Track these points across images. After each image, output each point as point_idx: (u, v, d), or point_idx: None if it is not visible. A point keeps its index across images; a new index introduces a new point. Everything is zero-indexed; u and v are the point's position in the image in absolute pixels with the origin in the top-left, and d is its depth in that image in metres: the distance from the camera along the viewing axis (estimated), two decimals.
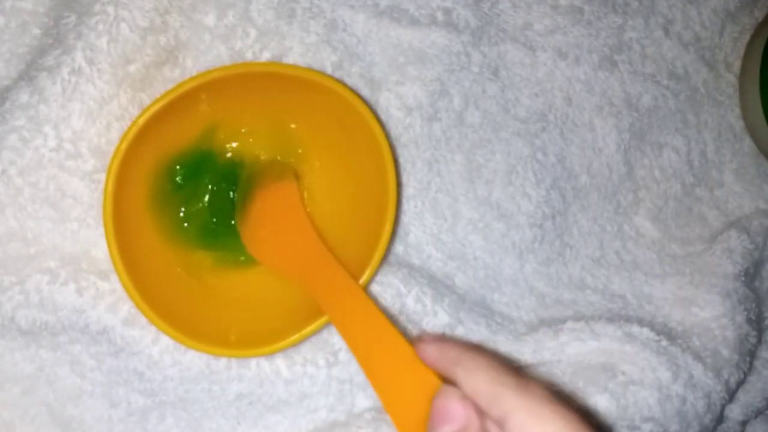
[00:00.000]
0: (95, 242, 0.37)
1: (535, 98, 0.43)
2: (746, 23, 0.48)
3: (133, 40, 0.36)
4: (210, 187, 0.39)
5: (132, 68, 0.37)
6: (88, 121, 0.36)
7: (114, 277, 0.36)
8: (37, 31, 0.38)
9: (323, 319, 0.35)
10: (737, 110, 0.48)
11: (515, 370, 0.27)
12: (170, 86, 0.38)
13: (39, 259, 0.37)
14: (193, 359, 0.38)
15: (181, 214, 0.38)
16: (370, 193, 0.37)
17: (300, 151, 0.40)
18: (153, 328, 0.37)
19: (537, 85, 0.43)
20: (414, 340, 0.31)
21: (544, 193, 0.43)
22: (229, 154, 0.39)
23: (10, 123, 0.36)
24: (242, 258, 0.39)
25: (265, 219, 0.38)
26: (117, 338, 0.37)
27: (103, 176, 0.37)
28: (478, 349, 0.29)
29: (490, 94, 0.43)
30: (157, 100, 0.34)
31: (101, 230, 0.37)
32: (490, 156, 0.43)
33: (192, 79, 0.35)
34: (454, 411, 0.28)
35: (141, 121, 0.34)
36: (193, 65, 0.38)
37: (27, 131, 0.36)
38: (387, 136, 0.37)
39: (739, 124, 0.47)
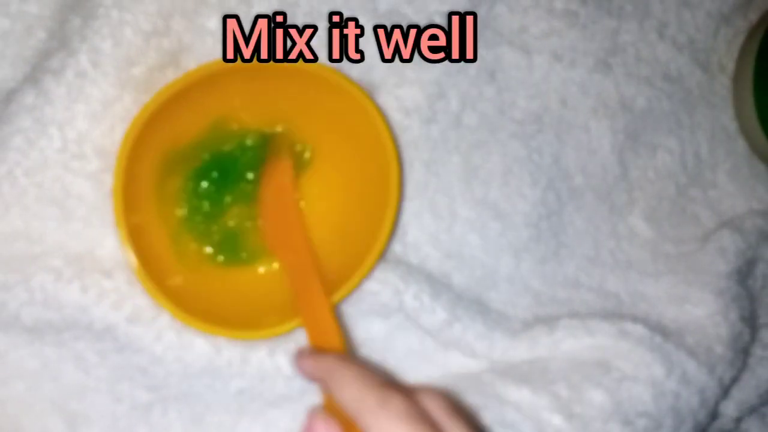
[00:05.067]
0: (99, 241, 0.38)
1: (531, 100, 0.44)
2: (740, 26, 0.48)
3: (136, 44, 0.37)
4: (208, 185, 0.39)
5: (135, 71, 0.37)
6: (93, 122, 0.37)
7: (118, 276, 0.37)
8: (42, 34, 0.39)
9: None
10: (731, 112, 0.48)
11: (382, 383, 0.28)
12: None
13: (44, 258, 0.37)
14: (196, 356, 0.38)
15: (185, 208, 0.39)
16: (373, 190, 0.38)
17: (303, 145, 0.40)
18: (156, 326, 0.37)
19: (533, 88, 0.44)
20: (294, 354, 0.33)
21: (540, 194, 0.43)
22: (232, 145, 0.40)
23: (15, 124, 0.36)
24: (243, 254, 0.40)
25: (265, 200, 0.39)
26: (120, 335, 0.37)
27: (107, 177, 0.37)
28: (350, 360, 0.31)
29: (487, 97, 0.43)
30: (164, 89, 0.35)
31: (105, 230, 0.38)
32: (486, 157, 0.43)
33: (196, 71, 0.35)
34: (316, 429, 0.29)
35: (152, 107, 0.35)
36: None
37: (32, 132, 0.36)
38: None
39: (732, 126, 0.48)
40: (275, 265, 0.40)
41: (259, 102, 0.38)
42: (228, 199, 0.40)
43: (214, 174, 0.39)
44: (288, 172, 0.39)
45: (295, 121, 0.39)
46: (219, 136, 0.39)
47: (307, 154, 0.40)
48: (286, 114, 0.39)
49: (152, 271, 0.35)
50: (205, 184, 0.39)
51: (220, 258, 0.39)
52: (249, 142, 0.39)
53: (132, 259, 0.35)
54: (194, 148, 0.39)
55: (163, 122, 0.36)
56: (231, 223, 0.40)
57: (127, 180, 0.35)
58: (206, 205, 0.39)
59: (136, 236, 0.35)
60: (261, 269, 0.40)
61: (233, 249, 0.40)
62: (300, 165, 0.40)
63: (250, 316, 0.37)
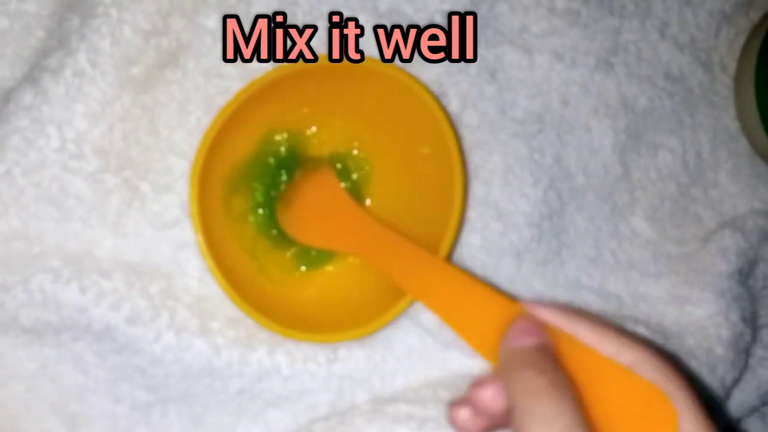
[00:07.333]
0: (98, 242, 0.38)
1: (532, 100, 0.44)
2: (742, 25, 0.48)
3: (135, 43, 0.37)
4: (268, 190, 0.40)
5: (134, 70, 0.37)
6: (92, 122, 0.37)
7: (116, 276, 0.37)
8: (40, 33, 0.38)
9: (394, 310, 0.36)
10: (732, 111, 0.48)
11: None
12: (172, 88, 0.38)
13: (42, 259, 0.37)
14: (195, 356, 0.38)
15: (250, 218, 0.40)
16: (433, 184, 0.38)
17: (359, 145, 0.41)
18: (155, 327, 0.37)
19: (534, 87, 0.44)
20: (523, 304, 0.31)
21: (542, 194, 0.43)
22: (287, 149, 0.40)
23: (13, 124, 0.36)
24: (313, 254, 0.41)
25: (310, 206, 0.40)
26: (119, 336, 0.37)
27: (106, 176, 0.37)
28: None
29: (488, 96, 0.43)
30: (226, 107, 0.35)
31: (104, 230, 0.37)
32: (487, 157, 0.43)
33: (253, 83, 0.36)
34: (534, 330, 0.29)
35: (217, 125, 0.35)
36: (194, 67, 0.39)
37: (30, 132, 0.36)
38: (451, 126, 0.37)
39: (734, 125, 0.48)
40: (350, 260, 0.40)
41: (311, 106, 0.39)
42: None
43: (279, 187, 0.40)
44: (333, 178, 0.40)
45: (349, 123, 0.40)
46: (270, 148, 0.40)
47: (355, 176, 0.41)
48: (339, 115, 0.40)
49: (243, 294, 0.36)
50: (273, 193, 0.40)
51: (303, 267, 0.40)
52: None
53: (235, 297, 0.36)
54: (250, 164, 0.39)
55: (225, 138, 0.36)
56: None
57: (201, 203, 0.35)
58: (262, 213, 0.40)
59: (220, 260, 0.36)
60: (330, 267, 0.41)
61: (307, 253, 0.40)
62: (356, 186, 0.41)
63: (344, 316, 0.38)
